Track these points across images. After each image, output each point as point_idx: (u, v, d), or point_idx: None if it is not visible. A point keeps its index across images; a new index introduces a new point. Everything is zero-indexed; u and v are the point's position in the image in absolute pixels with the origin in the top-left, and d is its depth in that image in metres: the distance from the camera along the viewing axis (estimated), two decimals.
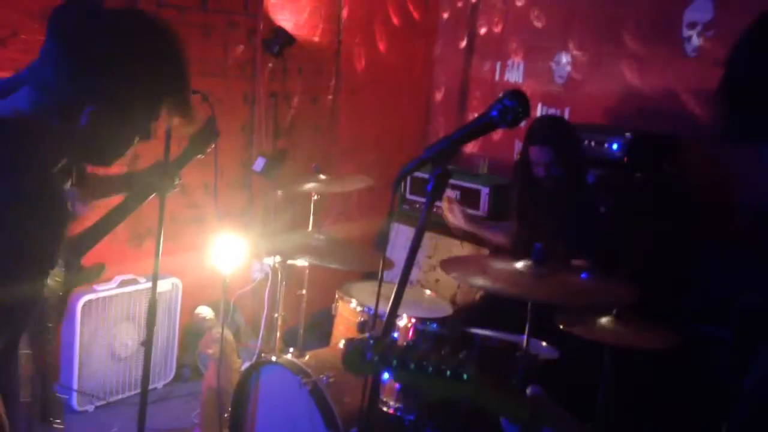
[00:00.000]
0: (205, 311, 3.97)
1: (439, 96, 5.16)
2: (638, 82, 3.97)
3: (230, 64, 4.21)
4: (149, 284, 2.73)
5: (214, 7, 4.08)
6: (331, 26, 4.63)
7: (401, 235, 4.22)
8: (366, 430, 2.07)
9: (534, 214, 3.29)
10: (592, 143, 3.55)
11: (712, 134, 1.17)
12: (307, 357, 2.88)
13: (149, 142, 1.80)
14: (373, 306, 2.95)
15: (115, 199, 2.17)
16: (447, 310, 3.23)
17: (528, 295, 2.42)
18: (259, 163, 3.81)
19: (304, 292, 3.34)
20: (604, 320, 2.61)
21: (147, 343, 2.26)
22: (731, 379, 2.88)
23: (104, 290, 3.66)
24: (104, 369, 3.73)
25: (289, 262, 3.24)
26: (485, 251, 3.85)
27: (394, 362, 1.22)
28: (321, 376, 2.69)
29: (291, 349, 3.01)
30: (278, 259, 3.26)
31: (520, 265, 2.50)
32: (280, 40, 4.27)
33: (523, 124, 1.53)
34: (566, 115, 4.26)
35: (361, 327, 3.02)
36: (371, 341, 1.25)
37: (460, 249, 4.06)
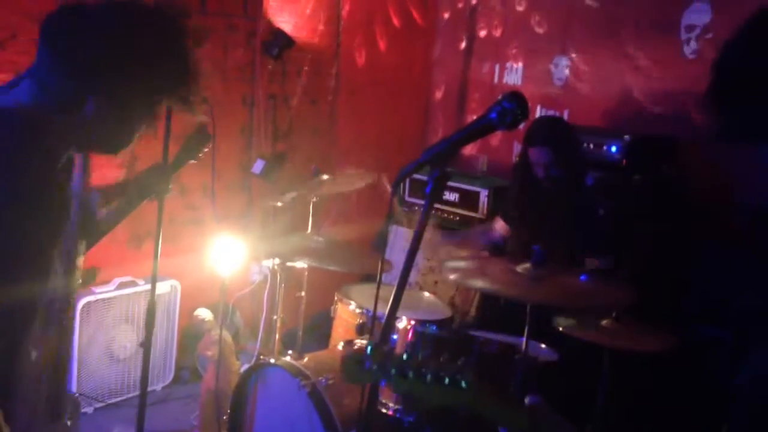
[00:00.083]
0: (204, 313, 3.97)
1: (438, 98, 5.17)
2: (637, 85, 3.97)
3: (229, 67, 4.21)
4: (148, 286, 2.73)
5: (214, 10, 4.08)
6: (330, 28, 4.63)
7: (400, 237, 4.23)
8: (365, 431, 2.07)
9: (533, 215, 3.29)
10: (591, 146, 3.55)
11: (709, 135, 1.17)
12: (305, 359, 2.88)
13: (149, 145, 1.81)
14: (371, 308, 2.95)
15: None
16: (446, 312, 3.23)
17: (526, 297, 2.42)
18: (258, 166, 3.81)
19: (303, 294, 3.33)
20: (603, 323, 2.62)
21: (146, 345, 2.26)
22: (730, 381, 2.88)
23: (103, 292, 3.66)
24: (103, 371, 3.73)
25: (288, 264, 3.24)
26: (484, 253, 3.85)
27: (393, 371, 1.22)
28: (320, 378, 2.69)
29: (290, 351, 3.01)
30: (277, 261, 3.26)
31: (518, 267, 2.50)
32: (280, 42, 4.27)
33: (522, 126, 1.53)
34: (565, 118, 4.26)
35: (360, 329, 3.02)
36: (370, 350, 1.25)
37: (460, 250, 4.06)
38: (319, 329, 3.88)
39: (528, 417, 1.30)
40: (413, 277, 4.17)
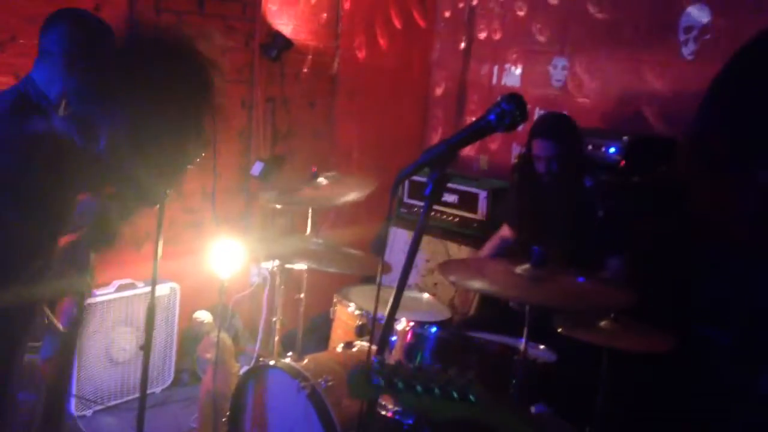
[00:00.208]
0: (203, 315, 3.97)
1: (437, 100, 5.17)
2: (635, 86, 3.98)
3: (228, 69, 4.21)
4: (147, 288, 2.74)
5: (212, 12, 4.09)
6: (328, 31, 4.63)
7: (399, 238, 4.23)
8: None
9: (532, 213, 3.30)
10: (590, 147, 3.56)
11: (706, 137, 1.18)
12: (305, 361, 2.88)
13: None
14: (371, 310, 2.95)
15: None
16: (445, 313, 3.23)
17: (525, 299, 2.42)
18: (256, 168, 3.81)
19: (302, 296, 3.33)
20: (602, 323, 2.62)
21: (145, 348, 2.26)
22: (733, 382, 2.88)
23: (102, 295, 3.66)
24: (102, 373, 3.73)
25: (288, 266, 3.24)
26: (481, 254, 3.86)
27: (400, 385, 1.21)
28: (319, 380, 2.69)
29: (289, 353, 3.01)
30: (276, 263, 3.26)
31: (518, 268, 2.50)
32: (278, 44, 4.28)
33: (520, 127, 1.53)
34: None
35: (360, 331, 3.02)
36: (377, 365, 1.25)
37: (458, 252, 4.06)
38: (319, 331, 3.88)
39: (535, 427, 1.30)
40: (413, 278, 4.17)
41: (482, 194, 4.12)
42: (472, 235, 4.10)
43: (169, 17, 3.91)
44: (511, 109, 1.45)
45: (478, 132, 1.53)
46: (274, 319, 3.32)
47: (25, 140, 1.67)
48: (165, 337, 3.97)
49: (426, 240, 4.15)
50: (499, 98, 1.48)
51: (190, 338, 4.10)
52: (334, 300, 3.21)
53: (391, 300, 1.54)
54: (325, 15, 4.60)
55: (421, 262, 4.22)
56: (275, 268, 3.27)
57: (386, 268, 3.02)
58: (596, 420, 2.61)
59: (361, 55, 4.81)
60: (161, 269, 2.28)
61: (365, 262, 3.24)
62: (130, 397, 3.80)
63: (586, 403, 2.63)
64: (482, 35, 4.82)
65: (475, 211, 4.14)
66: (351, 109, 4.83)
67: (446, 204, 4.24)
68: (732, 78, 1.12)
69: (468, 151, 4.81)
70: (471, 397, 1.20)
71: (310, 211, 3.32)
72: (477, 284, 2.58)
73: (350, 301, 3.13)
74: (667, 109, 3.82)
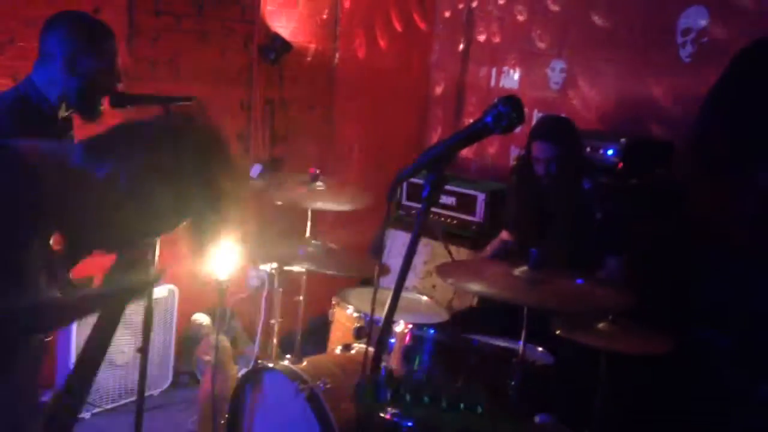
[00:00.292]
0: (201, 318, 3.97)
1: (435, 102, 5.18)
2: (633, 88, 3.98)
3: (226, 71, 4.21)
4: None
5: (211, 14, 4.09)
6: (327, 33, 4.64)
7: (397, 240, 4.22)
8: None
9: (530, 215, 3.30)
10: (588, 149, 3.56)
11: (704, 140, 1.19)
12: (304, 363, 2.88)
13: None
14: (369, 312, 2.95)
15: None
16: (444, 316, 3.23)
17: (523, 301, 2.43)
18: (255, 170, 3.82)
19: (300, 298, 3.34)
20: (600, 326, 2.62)
21: (143, 350, 2.26)
22: (732, 385, 2.88)
23: None
24: (101, 376, 3.72)
25: (286, 268, 3.24)
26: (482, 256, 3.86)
27: (408, 398, 1.21)
28: (318, 382, 2.69)
29: (288, 356, 3.01)
30: (275, 265, 3.26)
31: (515, 270, 2.50)
32: (277, 46, 4.28)
33: (518, 129, 1.54)
34: None
35: (358, 333, 3.02)
36: (384, 377, 1.25)
37: (457, 254, 4.06)
38: (317, 333, 3.87)
39: None
40: (411, 280, 4.17)
41: (480, 196, 4.13)
42: (470, 237, 4.10)
43: (168, 20, 3.92)
44: (507, 111, 1.45)
45: (475, 134, 1.53)
46: (272, 321, 3.32)
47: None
48: (163, 340, 3.97)
49: (424, 242, 4.15)
50: (495, 100, 1.48)
51: (188, 340, 4.10)
52: (333, 302, 3.21)
53: (389, 302, 1.54)
54: (323, 17, 4.60)
55: (418, 264, 4.22)
56: (274, 271, 3.27)
57: (384, 270, 3.02)
58: (595, 422, 2.61)
59: (359, 57, 4.81)
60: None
61: (363, 264, 3.24)
62: (128, 400, 3.80)
63: (584, 406, 2.63)
64: (481, 37, 4.83)
65: (473, 214, 4.14)
66: (350, 111, 4.83)
67: (444, 206, 4.24)
68: (732, 82, 1.13)
69: (466, 153, 4.81)
70: (478, 409, 1.21)
71: (308, 213, 3.32)
72: (475, 286, 2.58)
73: (349, 303, 3.13)
74: (665, 112, 3.83)
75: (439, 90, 5.14)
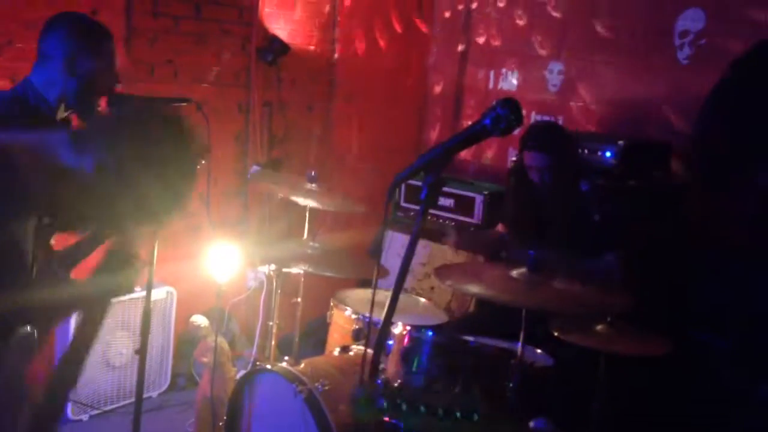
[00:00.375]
0: (200, 320, 3.96)
1: (433, 104, 5.18)
2: (631, 90, 3.99)
3: (224, 73, 4.22)
4: (144, 293, 2.74)
5: (209, 16, 4.09)
6: (325, 35, 4.64)
7: (396, 242, 4.23)
8: None
9: (528, 217, 3.30)
10: (586, 151, 3.57)
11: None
12: (302, 365, 2.88)
13: None
14: (368, 314, 2.95)
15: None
16: (442, 317, 3.23)
17: (522, 303, 2.43)
18: (253, 172, 3.82)
19: (299, 300, 3.34)
20: (598, 327, 2.62)
21: (141, 352, 2.26)
22: (732, 386, 2.88)
23: None
24: (99, 378, 3.72)
25: (284, 270, 3.24)
26: (480, 259, 3.86)
27: (404, 407, 1.21)
28: (316, 384, 2.69)
29: (286, 357, 3.01)
30: (273, 267, 3.26)
31: (514, 272, 2.50)
32: (275, 48, 4.28)
33: (516, 131, 1.54)
34: (559, 123, 4.28)
35: (356, 335, 3.02)
36: (381, 386, 1.25)
37: (455, 256, 4.06)
38: (316, 335, 3.88)
39: None
40: (409, 282, 4.17)
41: (479, 198, 4.13)
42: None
43: (166, 21, 3.92)
44: (506, 113, 1.46)
45: (473, 136, 1.54)
46: (270, 323, 3.32)
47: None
48: (162, 342, 3.96)
49: (422, 244, 4.15)
50: (494, 103, 1.48)
51: (186, 342, 4.09)
52: (331, 304, 3.21)
53: (387, 304, 1.54)
54: (321, 19, 4.60)
55: (417, 266, 4.22)
56: (272, 272, 3.27)
57: (383, 272, 3.02)
58: (593, 424, 2.61)
59: (358, 58, 4.82)
60: (158, 273, 2.28)
61: (362, 266, 3.24)
62: (126, 402, 3.79)
63: (582, 407, 2.63)
64: (479, 40, 4.83)
65: (471, 215, 4.14)
66: (348, 113, 4.84)
67: (442, 208, 4.24)
68: (732, 84, 1.14)
69: (464, 154, 4.81)
70: (475, 417, 1.21)
71: (306, 214, 3.33)
72: (473, 288, 2.58)
73: (347, 305, 3.13)
74: (662, 114, 3.83)
75: (437, 92, 5.14)
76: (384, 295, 1.59)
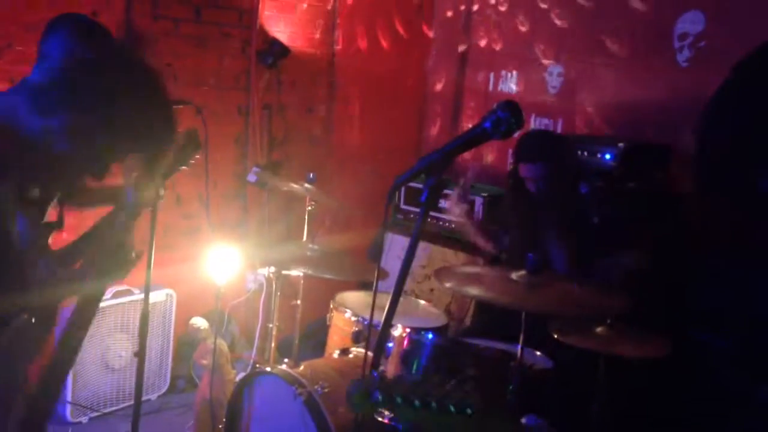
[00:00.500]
0: (199, 322, 3.97)
1: (433, 106, 5.18)
2: (631, 93, 3.99)
3: (224, 76, 4.22)
4: (143, 295, 2.73)
5: (209, 19, 4.10)
6: (325, 37, 4.65)
7: (395, 244, 4.23)
8: None
9: (526, 219, 3.30)
10: (585, 153, 3.57)
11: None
12: (301, 367, 2.88)
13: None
14: (367, 316, 2.95)
15: (101, 212, 2.15)
16: (442, 319, 3.23)
17: (521, 305, 2.43)
18: (253, 174, 3.82)
19: (298, 302, 3.34)
20: (598, 329, 2.62)
21: (140, 354, 2.25)
22: (731, 388, 2.88)
23: None
24: (98, 380, 3.72)
25: (284, 272, 3.24)
26: (479, 261, 3.86)
27: (399, 400, 1.22)
28: (315, 386, 2.69)
29: (286, 360, 3.01)
30: (273, 269, 3.26)
31: (513, 274, 2.51)
32: (275, 51, 4.29)
33: (516, 134, 1.54)
34: (559, 126, 4.28)
35: (356, 337, 3.02)
36: (376, 379, 1.25)
37: (455, 258, 4.07)
38: (315, 337, 3.87)
39: None
40: (409, 284, 4.18)
41: (478, 200, 4.13)
42: (468, 241, 4.10)
43: (166, 24, 3.93)
44: (506, 116, 1.46)
45: (473, 139, 1.54)
46: (270, 325, 3.32)
47: None
48: (161, 344, 3.96)
49: (422, 246, 4.15)
50: (494, 106, 1.48)
51: (186, 345, 4.09)
52: (331, 306, 3.21)
53: (387, 306, 1.55)
54: (321, 22, 4.61)
55: (416, 268, 4.22)
56: (272, 275, 3.27)
57: (383, 274, 3.02)
58: (593, 426, 2.61)
59: (357, 61, 4.82)
60: (157, 276, 2.27)
61: (361, 268, 3.24)
62: (125, 404, 3.79)
63: (582, 410, 2.63)
64: (479, 42, 4.83)
65: (471, 217, 4.13)
66: (347, 116, 4.84)
67: (443, 210, 4.23)
68: (734, 87, 1.14)
69: (464, 157, 4.81)
70: (468, 411, 1.21)
71: (306, 217, 3.33)
72: (473, 290, 2.58)
73: (347, 307, 3.13)
74: (662, 116, 3.83)
75: (436, 94, 5.15)
76: (384, 298, 1.59)
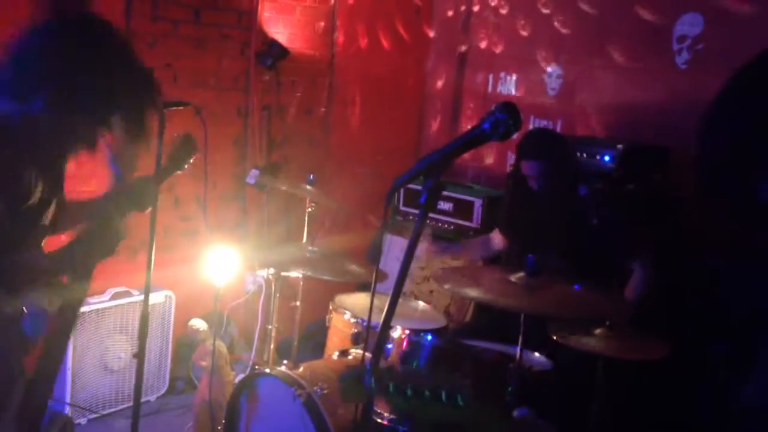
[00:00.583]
0: (198, 323, 3.97)
1: (432, 108, 5.19)
2: (630, 95, 4.00)
3: (223, 77, 4.22)
4: (142, 297, 2.73)
5: (208, 21, 4.10)
6: (324, 39, 4.65)
7: (394, 246, 4.23)
8: None
9: (526, 225, 3.30)
10: (584, 155, 3.57)
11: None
12: (301, 369, 2.88)
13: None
14: (366, 317, 2.95)
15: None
16: (441, 321, 3.23)
17: (520, 307, 2.43)
18: (252, 175, 3.82)
19: (297, 303, 3.34)
20: (597, 331, 2.62)
21: (139, 356, 2.25)
22: (730, 390, 2.88)
23: (97, 303, 3.66)
24: (97, 381, 3.72)
25: (283, 273, 3.24)
26: (479, 262, 3.86)
27: (391, 388, 1.22)
28: (315, 387, 2.69)
29: (285, 361, 3.01)
30: (272, 270, 3.26)
31: (512, 276, 2.51)
32: (274, 52, 4.29)
33: (515, 136, 1.54)
34: (558, 128, 4.28)
35: (355, 338, 3.02)
36: (369, 367, 1.25)
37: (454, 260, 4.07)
38: (314, 339, 3.87)
39: (516, 429, 1.32)
40: (408, 286, 4.17)
41: (477, 202, 4.14)
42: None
43: (166, 25, 3.93)
44: (504, 118, 1.46)
45: (472, 141, 1.54)
46: (269, 326, 3.32)
47: None
48: (160, 345, 3.96)
49: (421, 247, 4.15)
50: (493, 107, 1.49)
51: (185, 346, 4.09)
52: (330, 308, 3.21)
53: (386, 308, 1.55)
54: (320, 23, 4.61)
55: (415, 269, 4.22)
56: (271, 276, 3.27)
57: (382, 276, 3.02)
58: (592, 428, 2.61)
59: (356, 62, 4.82)
60: (156, 277, 2.28)
61: (361, 270, 3.24)
62: (124, 406, 3.79)
63: (581, 411, 2.63)
64: (478, 44, 4.84)
65: (470, 219, 4.14)
66: (346, 117, 4.84)
67: (441, 212, 4.25)
68: (734, 93, 1.14)
69: (463, 158, 4.82)
70: (459, 400, 1.22)
71: (305, 218, 3.33)
72: (472, 292, 2.58)
73: (346, 308, 3.13)
74: (661, 118, 3.84)
75: (435, 96, 5.15)
76: (383, 299, 1.59)
